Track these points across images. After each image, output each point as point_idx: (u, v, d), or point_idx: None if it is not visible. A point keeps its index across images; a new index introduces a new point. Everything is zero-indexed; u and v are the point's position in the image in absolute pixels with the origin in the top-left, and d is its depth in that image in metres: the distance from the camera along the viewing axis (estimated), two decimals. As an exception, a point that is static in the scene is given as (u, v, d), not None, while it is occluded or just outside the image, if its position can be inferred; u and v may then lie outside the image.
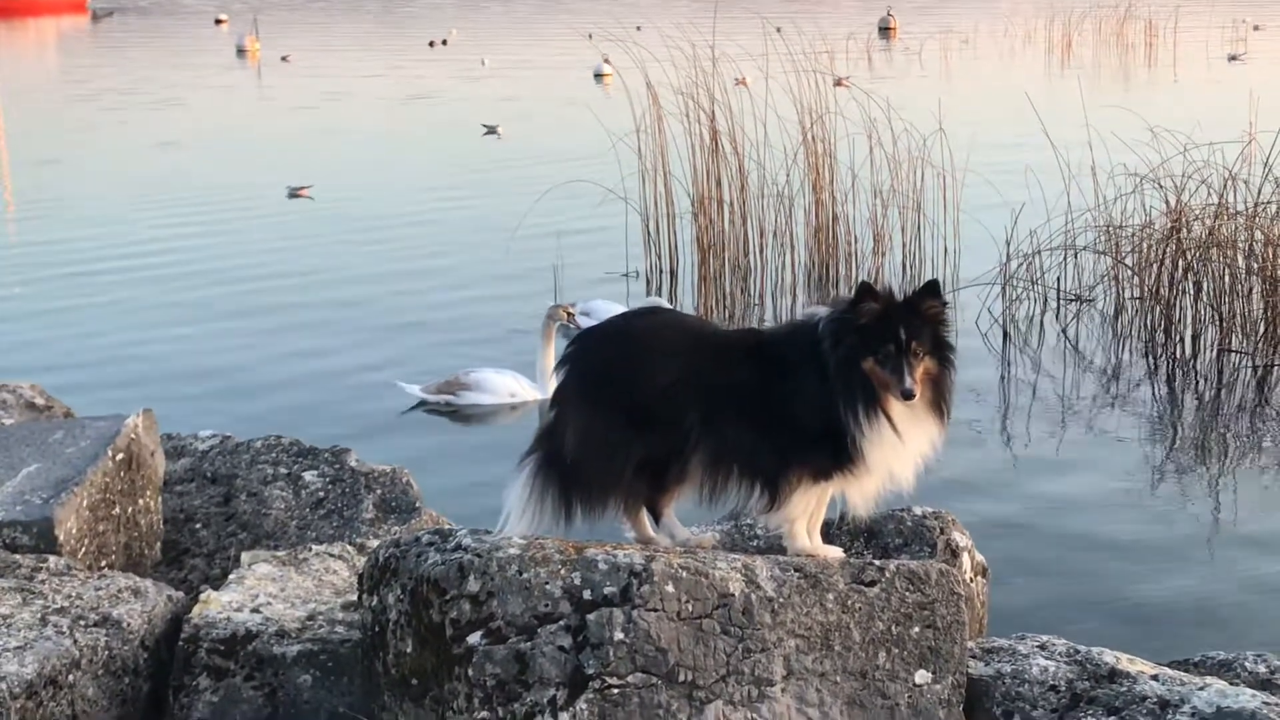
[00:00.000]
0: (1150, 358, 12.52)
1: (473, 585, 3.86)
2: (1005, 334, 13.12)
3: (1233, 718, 3.91)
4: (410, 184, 22.28)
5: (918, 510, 5.33)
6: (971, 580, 5.01)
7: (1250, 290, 12.60)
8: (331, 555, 5.12)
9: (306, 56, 47.53)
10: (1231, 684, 4.17)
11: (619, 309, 13.42)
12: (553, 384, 10.42)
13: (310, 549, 5.16)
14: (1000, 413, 11.17)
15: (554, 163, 19.30)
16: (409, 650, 4.00)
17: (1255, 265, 12.57)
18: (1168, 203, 13.05)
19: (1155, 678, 4.11)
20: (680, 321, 4.66)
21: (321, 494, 5.84)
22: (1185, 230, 12.86)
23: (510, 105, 30.66)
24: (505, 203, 18.98)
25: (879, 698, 3.94)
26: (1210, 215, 12.79)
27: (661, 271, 15.36)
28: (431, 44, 51.77)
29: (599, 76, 35.42)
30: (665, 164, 15.37)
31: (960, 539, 5.06)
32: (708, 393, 4.19)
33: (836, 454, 4.11)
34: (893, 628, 3.97)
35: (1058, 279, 13.73)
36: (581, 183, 15.81)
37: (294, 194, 21.08)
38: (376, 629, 4.13)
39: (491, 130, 27.10)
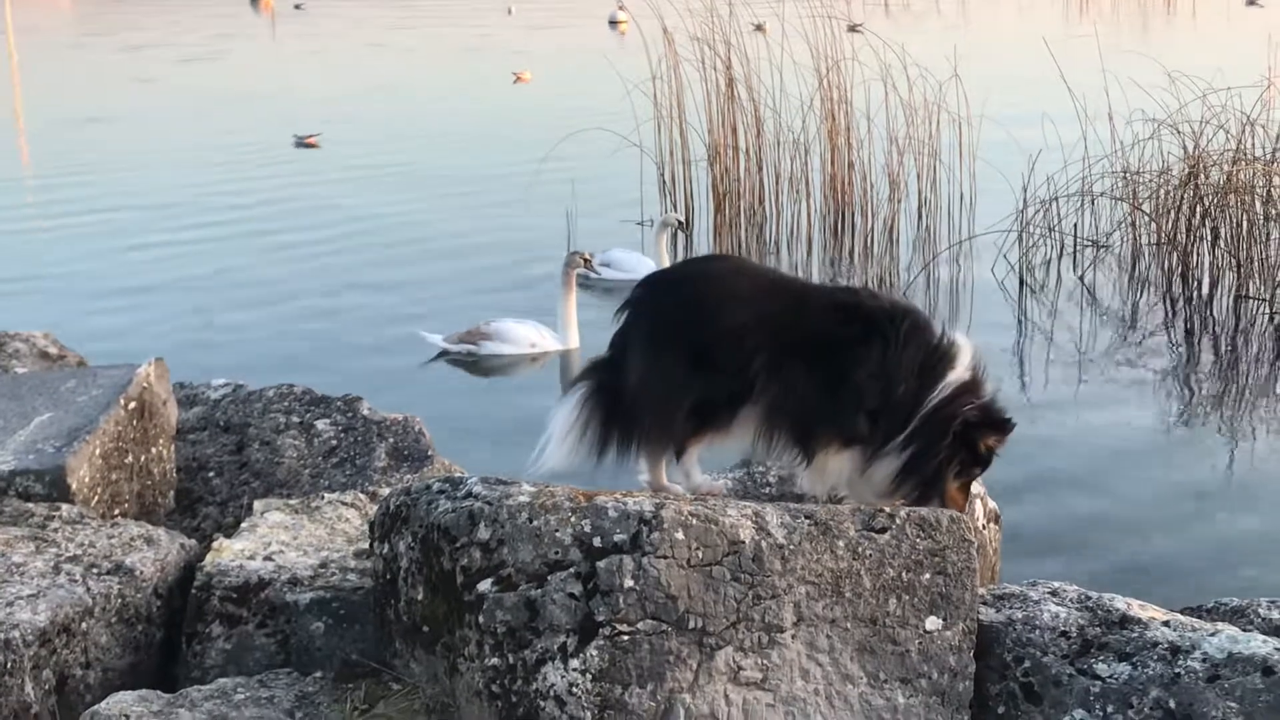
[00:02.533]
0: (1167, 304, 12.47)
1: (483, 533, 3.86)
2: (1022, 281, 13.07)
3: (1244, 663, 3.90)
4: (422, 133, 22.24)
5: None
6: (984, 527, 5.00)
7: (1268, 236, 12.55)
8: (344, 503, 5.12)
9: (321, 4, 47.32)
10: (1244, 630, 4.16)
11: (639, 258, 13.44)
12: (574, 332, 10.48)
13: (323, 497, 5.17)
14: (1016, 359, 11.14)
15: (569, 111, 19.21)
16: (420, 598, 4.00)
17: (1273, 211, 12.51)
18: (1185, 148, 12.97)
19: (1167, 624, 4.09)
20: (755, 269, 4.69)
21: (334, 442, 5.84)
22: (1203, 176, 12.79)
23: (526, 54, 30.48)
24: (519, 152, 18.95)
25: (889, 644, 3.94)
26: (1228, 161, 12.72)
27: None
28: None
29: (614, 23, 35.26)
30: (681, 111, 15.31)
31: (973, 485, 5.04)
32: (778, 343, 4.25)
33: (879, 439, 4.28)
34: (903, 574, 3.96)
35: (1075, 225, 13.68)
36: (597, 130, 15.74)
37: (301, 143, 21.03)
38: (388, 577, 4.13)
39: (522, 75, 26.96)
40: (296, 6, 46.19)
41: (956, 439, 4.28)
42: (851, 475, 4.37)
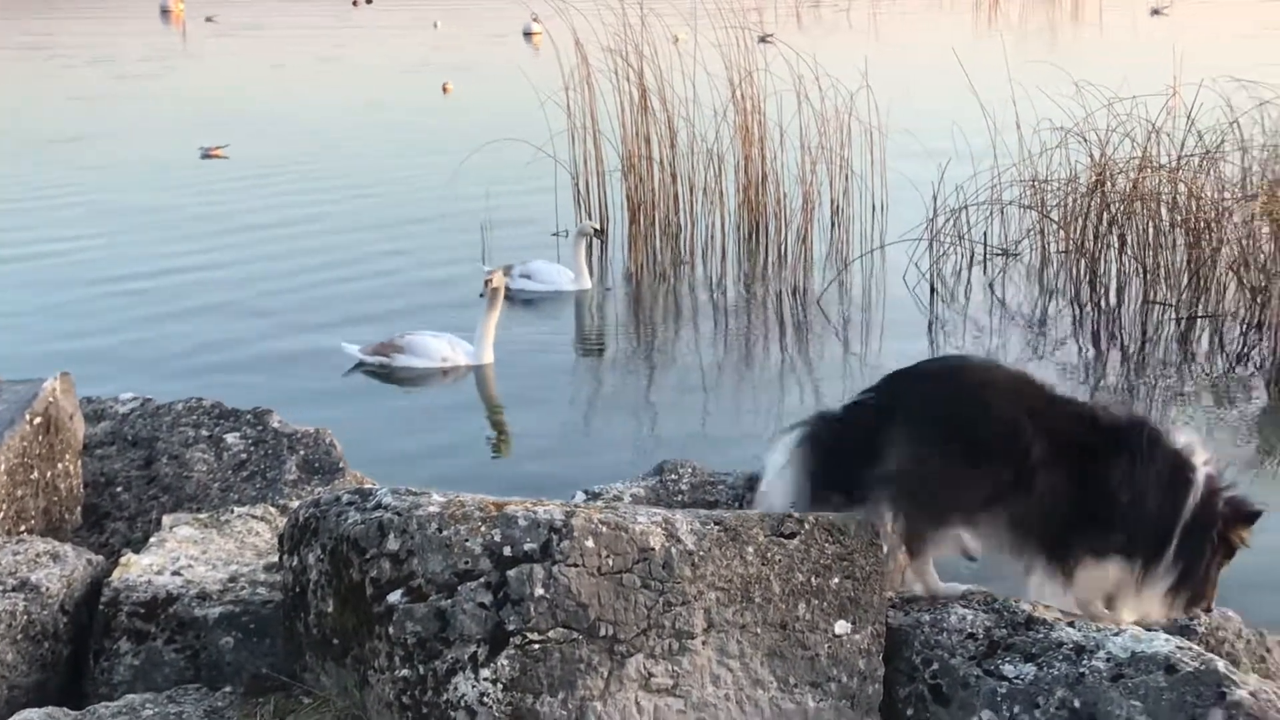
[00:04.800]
0: (1076, 310, 12.63)
1: (393, 544, 3.85)
2: (933, 289, 13.20)
3: (1147, 662, 3.96)
4: (337, 145, 22.10)
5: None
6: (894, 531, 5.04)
7: (1174, 242, 12.73)
8: (254, 517, 5.10)
9: (233, 16, 46.92)
10: (1149, 630, 4.23)
11: (559, 269, 13.46)
12: (489, 348, 10.44)
13: (232, 511, 5.13)
14: (928, 367, 11.22)
15: (485, 122, 19.17)
16: (330, 610, 3.99)
17: (1178, 218, 12.70)
18: (1092, 156, 13.16)
19: (1072, 624, 4.15)
20: (1003, 369, 4.68)
21: (244, 456, 5.80)
22: (1110, 184, 12.98)
23: (449, 66, 30.36)
24: (435, 164, 18.88)
25: (799, 648, 3.97)
26: (1134, 168, 12.91)
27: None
28: (355, 3, 51.28)
29: (528, 35, 35.25)
30: (595, 122, 15.33)
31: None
32: (1040, 446, 4.23)
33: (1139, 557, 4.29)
34: (813, 579, 3.99)
35: (984, 234, 13.82)
36: (512, 141, 15.72)
37: (207, 154, 20.83)
38: (297, 589, 4.11)
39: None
40: (208, 19, 45.74)
41: (1220, 540, 4.31)
42: (1111, 591, 4.36)
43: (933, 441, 4.24)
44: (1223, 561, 4.37)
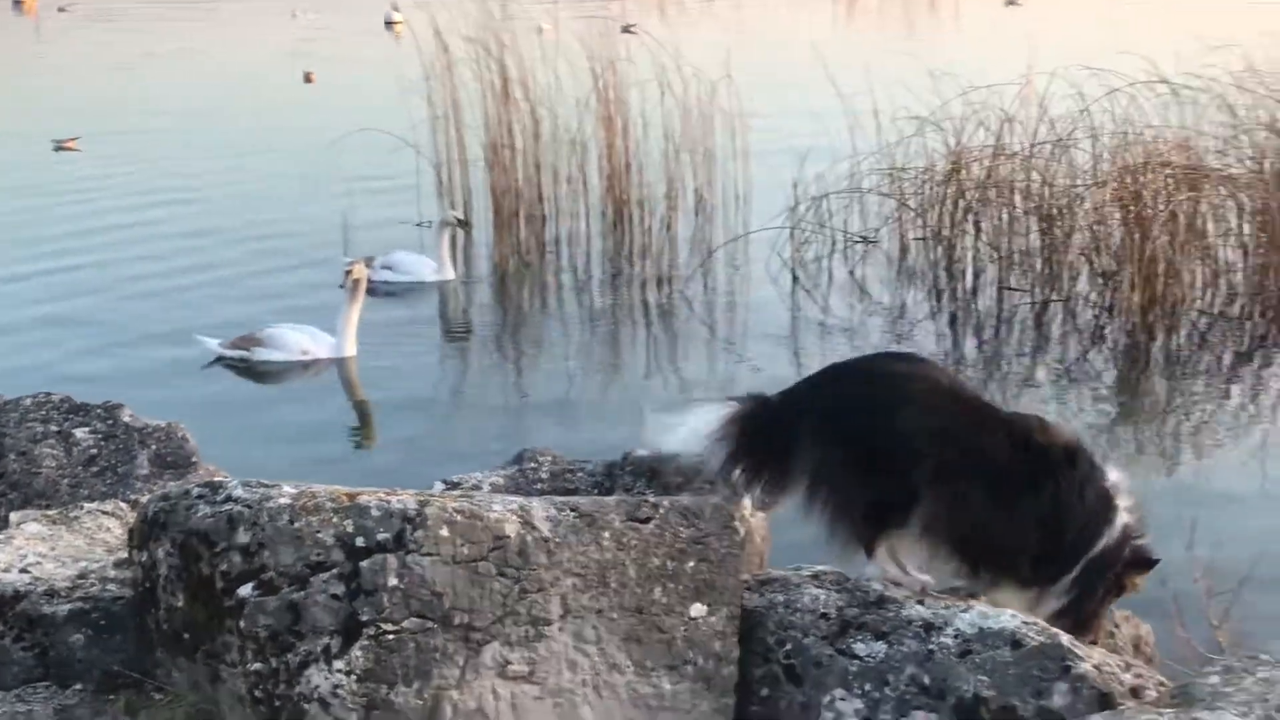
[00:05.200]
0: (933, 296, 12.83)
1: (243, 537, 3.81)
2: (795, 276, 13.33)
3: (994, 637, 4.04)
4: (194, 136, 21.72)
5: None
6: (751, 515, 5.08)
7: (1028, 229, 12.99)
8: (104, 513, 5.01)
9: (86, 5, 45.94)
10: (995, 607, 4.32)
11: (421, 260, 13.37)
12: (351, 341, 10.28)
13: (82, 507, 5.05)
14: (790, 354, 11.34)
15: (346, 112, 18.95)
16: (180, 605, 3.94)
17: (1032, 205, 12.96)
18: (948, 145, 13.37)
19: (921, 602, 4.23)
20: (937, 376, 4.65)
21: (94, 451, 5.70)
22: (965, 171, 13.20)
23: (309, 55, 30.00)
24: (296, 154, 18.68)
25: (655, 632, 3.99)
26: (989, 156, 13.14)
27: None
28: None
29: (389, 24, 34.97)
30: (457, 112, 15.23)
31: (741, 475, 5.13)
32: (948, 457, 4.28)
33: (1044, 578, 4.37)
34: (668, 563, 4.02)
35: (844, 221, 13.98)
36: (374, 132, 15.58)
37: (60, 147, 20.39)
38: (147, 585, 4.06)
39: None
40: (61, 9, 44.73)
41: (1115, 581, 4.41)
42: (1007, 600, 4.40)
43: (854, 442, 4.31)
44: (1113, 600, 4.53)
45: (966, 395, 4.58)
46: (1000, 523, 4.30)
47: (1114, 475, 4.43)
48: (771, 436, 4.40)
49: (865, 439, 4.30)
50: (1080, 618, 4.38)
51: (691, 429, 4.44)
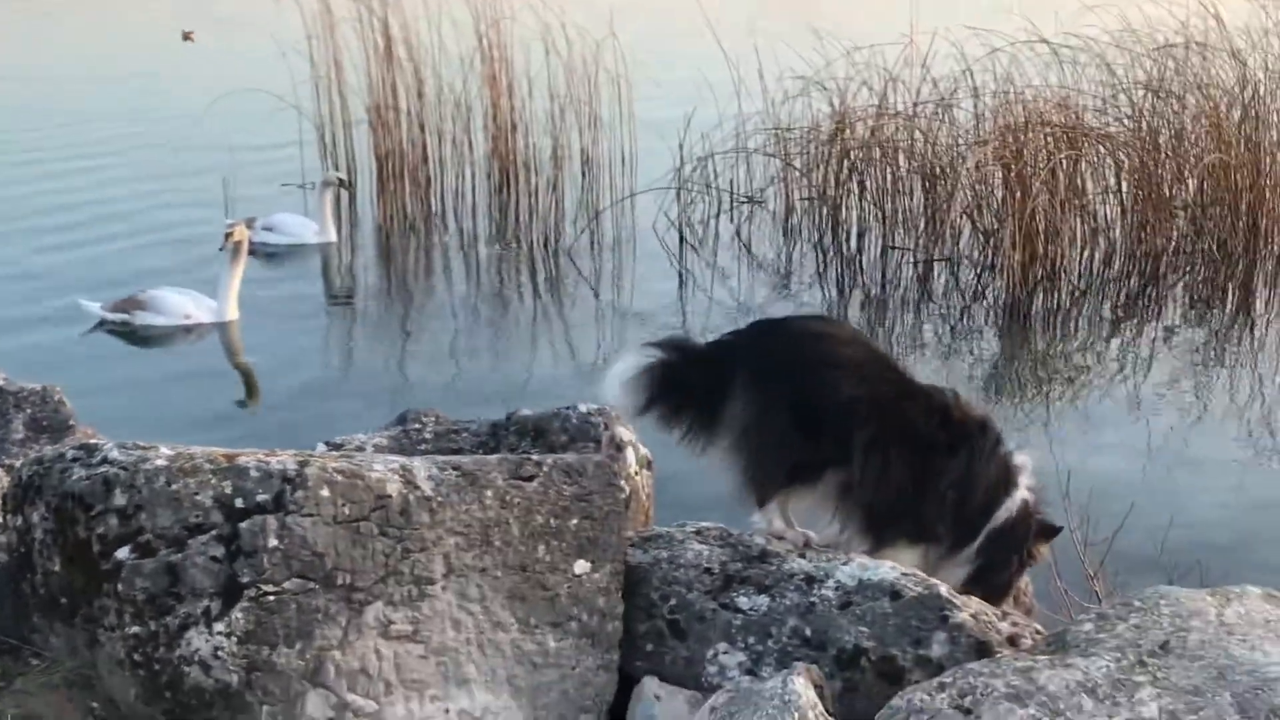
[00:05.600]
0: (819, 256, 12.92)
1: (119, 499, 3.75)
2: (682, 236, 13.36)
3: (874, 589, 4.10)
4: (66, 94, 21.29)
5: (582, 407, 5.41)
6: (636, 473, 5.11)
7: (911, 188, 13.11)
8: (-22, 478, 4.91)
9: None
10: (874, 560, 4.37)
11: (303, 221, 13.22)
12: (233, 304, 10.17)
13: (-46, 473, 4.94)
14: (679, 312, 11.38)
15: (225, 72, 18.66)
16: (56, 569, 3.87)
17: (915, 164, 13.07)
18: (832, 105, 13.43)
19: (803, 556, 4.27)
20: (863, 342, 4.79)
21: (-33, 416, 5.59)
22: (849, 131, 13.29)
23: (186, 13, 29.47)
24: (174, 114, 18.37)
25: (539, 589, 3.99)
26: (872, 116, 13.23)
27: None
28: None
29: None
30: (339, 72, 15.05)
31: (625, 434, 5.15)
32: (873, 426, 4.41)
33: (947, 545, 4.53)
34: (552, 520, 4.02)
35: (731, 182, 14.03)
36: (254, 92, 15.35)
37: None
38: (22, 550, 3.99)
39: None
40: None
41: (1024, 555, 4.62)
42: (906, 562, 4.49)
43: (775, 401, 4.39)
44: (1021, 571, 4.74)
45: (889, 363, 4.74)
46: (916, 491, 4.45)
47: (1020, 457, 4.63)
48: (699, 384, 4.51)
49: (795, 397, 4.40)
50: (992, 588, 4.53)
51: (615, 375, 4.59)
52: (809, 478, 4.47)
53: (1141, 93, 13.01)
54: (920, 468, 4.44)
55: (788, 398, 4.39)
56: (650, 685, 4.00)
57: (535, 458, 4.14)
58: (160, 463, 3.81)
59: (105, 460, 3.86)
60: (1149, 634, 3.58)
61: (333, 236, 13.35)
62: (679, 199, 13.69)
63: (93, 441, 4.19)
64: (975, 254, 12.44)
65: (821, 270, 12.61)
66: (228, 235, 10.84)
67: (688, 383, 4.52)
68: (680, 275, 12.47)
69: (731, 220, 13.84)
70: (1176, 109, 12.96)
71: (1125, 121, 12.89)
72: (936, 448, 4.45)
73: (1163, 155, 12.53)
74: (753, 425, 4.41)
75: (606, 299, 11.92)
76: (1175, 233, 12.58)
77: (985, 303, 11.59)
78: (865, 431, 4.39)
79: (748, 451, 4.43)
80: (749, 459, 4.43)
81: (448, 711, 3.88)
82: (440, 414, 5.83)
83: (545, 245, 13.39)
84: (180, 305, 10.82)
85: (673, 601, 4.16)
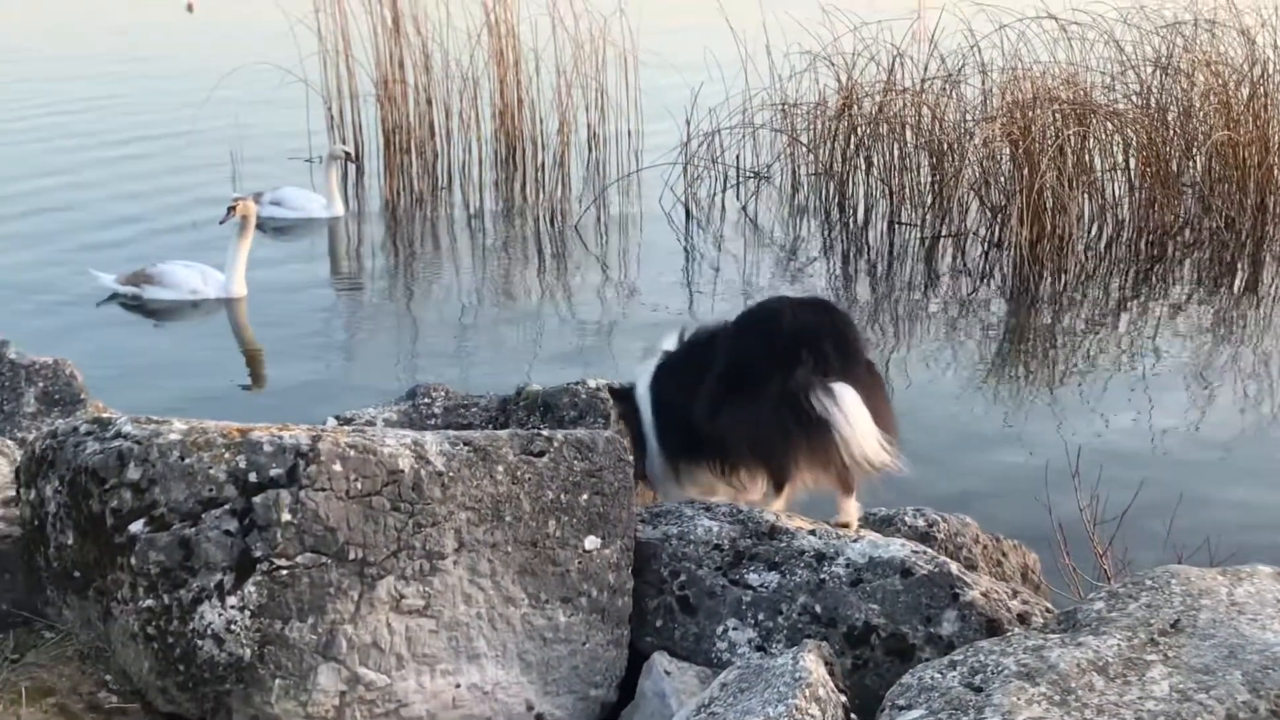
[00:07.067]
0: (826, 232, 12.91)
1: (133, 473, 3.76)
2: (688, 212, 13.35)
3: (884, 566, 4.10)
4: (80, 69, 21.29)
5: (591, 383, 5.42)
6: (646, 448, 5.11)
7: (918, 164, 13.10)
8: (-10, 451, 4.92)
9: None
10: (885, 537, 4.38)
11: (309, 195, 13.22)
12: (240, 280, 10.17)
13: (-34, 446, 4.95)
14: (685, 288, 11.37)
15: (232, 45, 18.66)
16: (70, 542, 3.88)
17: (922, 140, 13.05)
18: (840, 80, 13.41)
19: (813, 533, 4.28)
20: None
21: (-21, 389, 5.60)
22: (857, 107, 13.27)
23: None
24: (182, 88, 18.34)
25: (550, 565, 4.00)
26: (880, 92, 13.21)
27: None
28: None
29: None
30: (347, 46, 15.05)
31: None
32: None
33: None
34: (562, 496, 4.03)
35: (737, 157, 14.02)
36: (261, 66, 15.34)
37: None
38: (36, 523, 4.00)
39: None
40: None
41: None
42: None
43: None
44: None
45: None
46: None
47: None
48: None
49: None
50: None
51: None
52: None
53: (1150, 69, 12.99)
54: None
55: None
56: (660, 661, 4.01)
57: (546, 433, 4.14)
58: (174, 437, 3.82)
59: (119, 434, 3.87)
60: (1160, 613, 3.58)
61: (340, 210, 13.34)
62: (685, 174, 13.69)
63: (106, 415, 4.20)
64: (982, 230, 12.43)
65: (828, 246, 12.60)
66: (231, 209, 10.83)
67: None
68: (686, 251, 12.46)
69: (738, 196, 13.83)
70: (1185, 86, 12.93)
71: (1133, 98, 12.87)
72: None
73: (1171, 132, 12.52)
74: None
75: (613, 274, 11.91)
76: (1183, 210, 12.57)
77: (992, 280, 11.58)
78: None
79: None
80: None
81: (459, 685, 3.89)
82: (450, 389, 5.84)
83: (551, 220, 13.38)
84: (188, 280, 10.82)
85: (682, 577, 4.17)
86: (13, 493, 4.49)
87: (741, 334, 4.59)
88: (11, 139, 16.43)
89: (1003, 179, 12.35)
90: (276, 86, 15.21)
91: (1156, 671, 3.33)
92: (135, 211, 13.41)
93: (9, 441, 5.06)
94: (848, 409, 4.30)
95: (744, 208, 13.61)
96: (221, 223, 10.89)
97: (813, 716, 3.35)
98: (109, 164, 15.28)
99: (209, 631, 3.68)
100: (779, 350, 4.40)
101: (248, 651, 3.68)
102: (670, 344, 4.84)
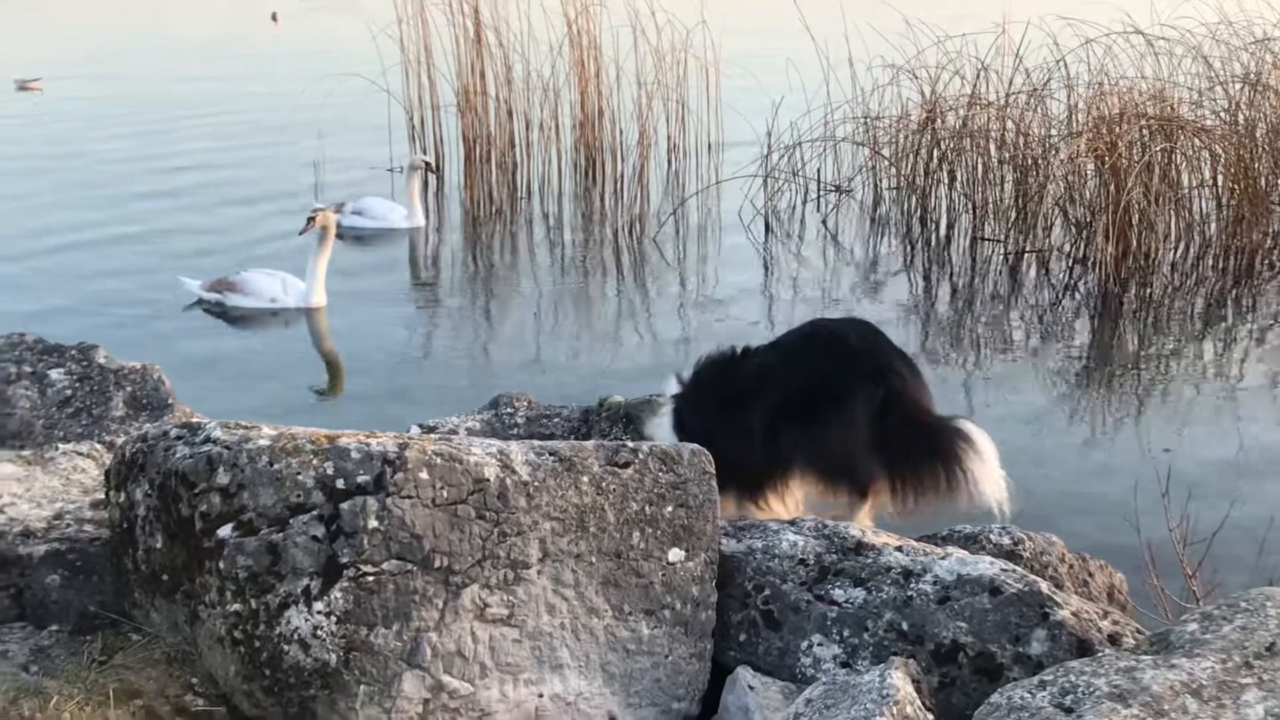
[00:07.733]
0: (907, 246, 12.83)
1: (222, 478, 3.79)
2: (768, 225, 13.31)
3: (973, 584, 4.06)
4: (162, 77, 21.55)
5: (674, 395, 5.39)
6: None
7: (1002, 179, 13.00)
8: (79, 454, 4.97)
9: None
10: (973, 555, 4.33)
11: (391, 205, 13.31)
12: (320, 291, 10.24)
13: (57, 448, 5.00)
14: (765, 301, 11.33)
15: (316, 55, 18.82)
16: (159, 546, 3.92)
17: (1007, 155, 12.95)
18: (923, 94, 13.34)
19: (899, 549, 4.24)
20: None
21: (69, 392, 5.65)
22: (940, 121, 13.18)
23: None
24: (266, 97, 18.53)
25: (634, 576, 3.99)
26: (964, 105, 13.12)
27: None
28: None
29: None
30: (429, 56, 15.14)
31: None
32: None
33: None
34: (646, 508, 4.01)
35: (818, 170, 13.97)
36: (345, 76, 15.46)
37: (23, 86, 20.18)
38: (125, 526, 4.04)
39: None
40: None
41: None
42: None
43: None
44: None
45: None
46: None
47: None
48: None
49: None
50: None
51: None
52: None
53: (1238, 86, 12.81)
54: None
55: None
56: (744, 675, 3.98)
57: (631, 445, 4.13)
58: (263, 442, 3.84)
59: (209, 439, 3.90)
60: (1255, 635, 3.51)
61: (420, 220, 13.41)
62: (765, 187, 13.65)
63: (195, 420, 4.23)
64: (1067, 246, 12.30)
65: (909, 260, 12.52)
66: (310, 220, 10.90)
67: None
68: (765, 264, 12.42)
69: (818, 209, 13.78)
70: (1274, 103, 12.75)
71: (1221, 115, 12.70)
72: None
73: (1259, 149, 12.34)
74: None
75: (691, 286, 11.88)
76: (1271, 228, 12.38)
77: (1076, 296, 11.46)
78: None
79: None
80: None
81: (541, 695, 3.89)
82: (532, 398, 5.85)
83: (630, 232, 13.38)
84: (268, 288, 10.90)
85: (767, 592, 4.14)
86: (101, 495, 4.53)
87: (804, 355, 4.77)
88: (93, 146, 16.63)
89: (1088, 195, 12.22)
90: (359, 96, 15.32)
91: (1251, 695, 3.27)
92: (220, 221, 13.54)
93: (97, 445, 5.12)
94: (981, 448, 4.68)
95: (824, 221, 13.55)
96: (301, 233, 10.97)
97: (901, 735, 3.32)
98: (194, 172, 15.44)
99: (295, 636, 3.69)
100: (863, 368, 4.65)
101: (333, 657, 3.69)
102: (673, 389, 5.00)
